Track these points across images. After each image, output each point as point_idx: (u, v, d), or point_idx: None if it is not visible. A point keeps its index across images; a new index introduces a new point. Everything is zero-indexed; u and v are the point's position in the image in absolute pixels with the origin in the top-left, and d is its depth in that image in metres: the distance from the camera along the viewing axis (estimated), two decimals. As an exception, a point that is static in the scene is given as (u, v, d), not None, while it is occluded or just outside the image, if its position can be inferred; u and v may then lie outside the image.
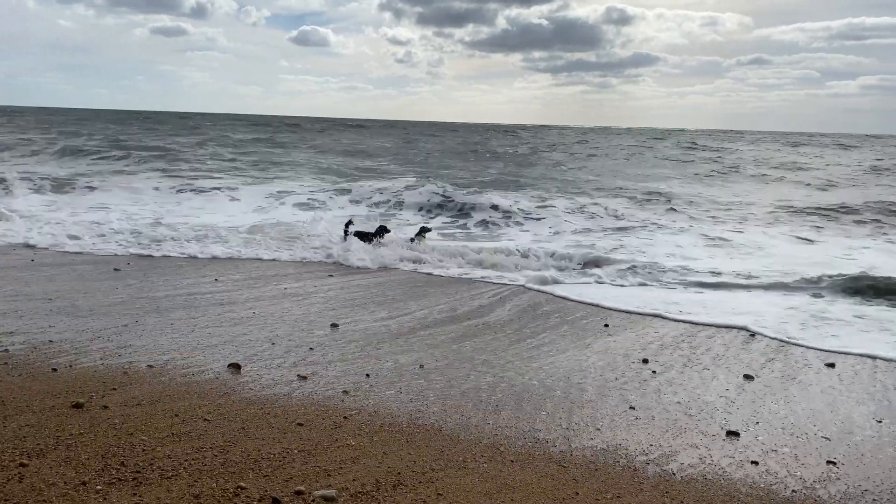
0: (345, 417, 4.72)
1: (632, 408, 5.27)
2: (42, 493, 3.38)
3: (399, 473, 3.92)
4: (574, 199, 19.41)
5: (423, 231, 12.48)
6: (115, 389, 4.87)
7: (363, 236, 11.88)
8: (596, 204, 18.52)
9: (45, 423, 4.20)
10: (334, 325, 7.13)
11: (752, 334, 7.52)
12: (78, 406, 4.49)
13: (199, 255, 10.78)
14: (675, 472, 4.24)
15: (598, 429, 4.83)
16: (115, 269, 9.27)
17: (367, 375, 5.64)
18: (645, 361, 6.45)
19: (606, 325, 7.62)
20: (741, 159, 41.33)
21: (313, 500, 3.53)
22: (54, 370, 5.17)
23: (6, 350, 5.56)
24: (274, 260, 10.81)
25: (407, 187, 19.42)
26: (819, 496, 4.04)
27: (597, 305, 8.62)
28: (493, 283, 9.68)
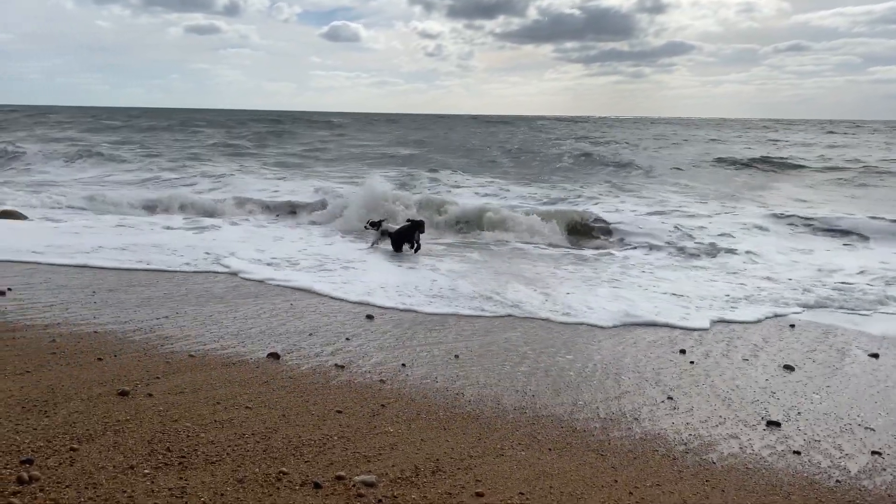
0: (382, 405, 4.77)
1: (670, 398, 5.23)
2: (92, 476, 3.49)
3: (437, 460, 3.96)
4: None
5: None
6: (158, 378, 4.98)
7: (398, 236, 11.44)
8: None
9: (93, 409, 4.32)
10: (369, 317, 7.20)
11: None
12: (123, 394, 4.61)
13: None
14: (714, 461, 4.20)
15: (637, 418, 4.81)
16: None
17: (403, 365, 5.68)
18: (682, 352, 6.40)
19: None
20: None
21: (354, 486, 3.58)
22: (100, 359, 5.31)
23: (53, 340, 5.72)
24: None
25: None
26: (864, 486, 3.97)
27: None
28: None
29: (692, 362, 6.09)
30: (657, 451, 4.29)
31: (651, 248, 12.24)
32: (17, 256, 9.36)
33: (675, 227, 13.58)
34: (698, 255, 11.54)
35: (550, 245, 12.73)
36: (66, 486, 3.36)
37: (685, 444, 4.41)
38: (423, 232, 11.50)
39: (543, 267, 10.33)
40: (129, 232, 12.10)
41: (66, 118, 62.87)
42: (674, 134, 53.67)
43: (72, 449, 3.75)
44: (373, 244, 11.52)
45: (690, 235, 12.98)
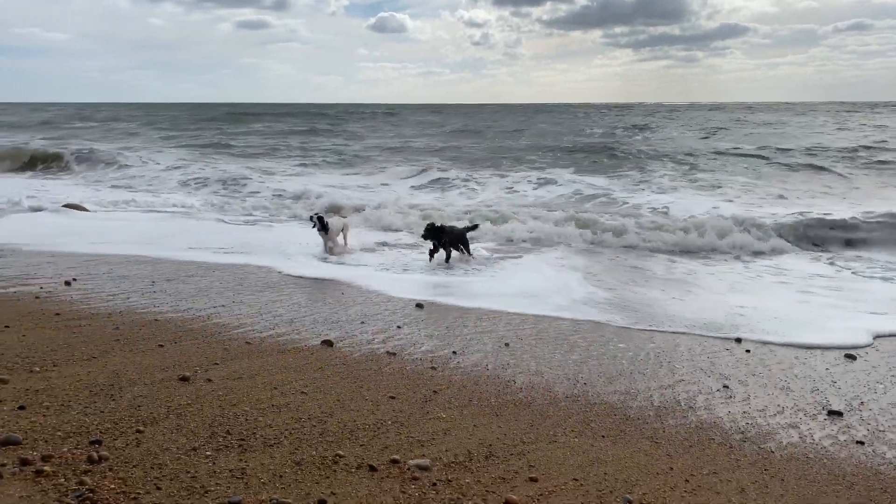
0: (434, 392, 4.81)
1: (725, 386, 5.14)
2: (158, 457, 3.61)
3: (490, 445, 3.97)
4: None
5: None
6: (216, 364, 5.12)
7: None
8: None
9: (156, 394, 4.47)
10: (419, 305, 7.25)
11: None
12: (184, 379, 4.75)
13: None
14: (773, 450, 4.11)
15: (692, 407, 4.74)
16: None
17: (454, 353, 5.71)
18: (738, 341, 6.28)
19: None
20: None
21: (408, 469, 3.62)
22: (161, 346, 5.48)
23: (117, 328, 5.93)
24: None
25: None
26: (933, 477, 3.83)
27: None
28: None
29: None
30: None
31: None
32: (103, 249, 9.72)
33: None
34: None
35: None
36: (134, 466, 3.49)
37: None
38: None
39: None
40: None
41: (179, 116, 60.78)
42: (767, 124, 47.58)
43: (138, 431, 3.89)
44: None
45: None
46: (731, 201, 15.93)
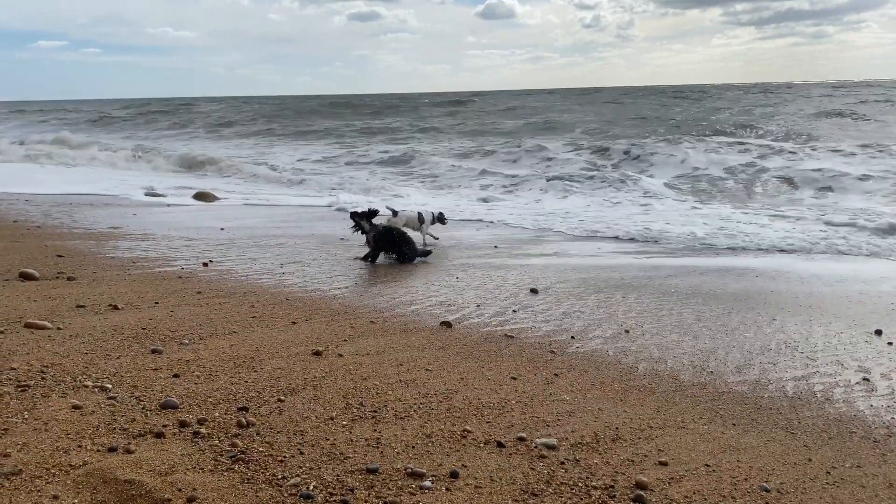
0: (555, 374, 4.83)
1: (865, 379, 4.86)
2: (298, 424, 3.85)
3: (617, 428, 3.96)
4: None
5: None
6: (345, 341, 5.37)
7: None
8: None
9: (293, 366, 4.75)
10: (534, 290, 7.27)
11: None
12: (317, 354, 5.02)
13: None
14: (924, 446, 3.86)
15: (829, 399, 4.52)
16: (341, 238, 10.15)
17: (573, 337, 5.71)
18: (878, 333, 5.90)
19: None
20: None
21: (535, 447, 3.67)
22: (294, 323, 5.81)
23: (252, 306, 6.32)
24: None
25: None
26: None
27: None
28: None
29: None
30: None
31: None
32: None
33: None
34: None
35: None
36: (278, 432, 3.74)
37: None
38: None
39: None
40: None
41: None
42: None
43: (279, 400, 4.16)
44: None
45: None
46: None
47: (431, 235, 10.28)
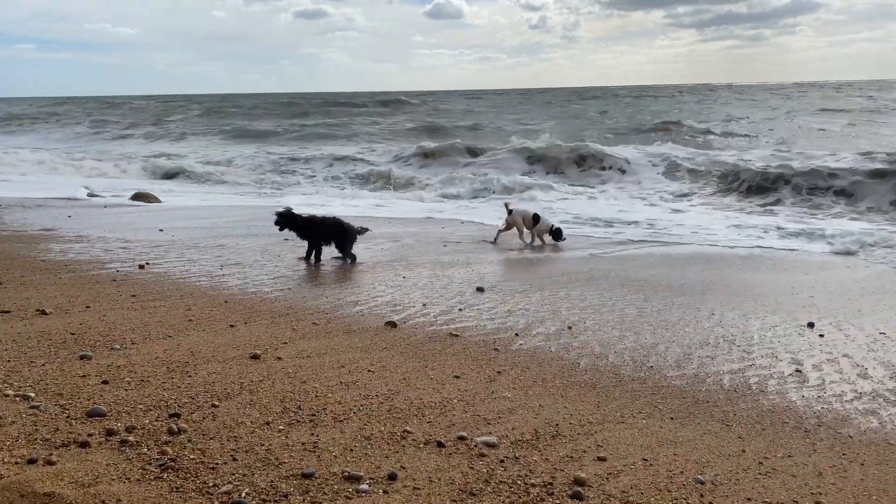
0: (498, 372, 4.82)
1: (798, 370, 4.99)
2: (233, 429, 3.73)
3: (557, 425, 3.96)
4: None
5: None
6: (286, 343, 5.26)
7: None
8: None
9: (229, 371, 4.62)
10: (480, 289, 7.26)
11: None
12: (255, 357, 4.89)
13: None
14: (851, 434, 3.98)
15: (763, 391, 4.62)
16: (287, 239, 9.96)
17: (516, 335, 5.72)
18: (810, 325, 6.08)
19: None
20: None
21: (476, 446, 3.64)
22: (232, 326, 5.65)
23: (189, 309, 6.14)
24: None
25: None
26: None
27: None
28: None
29: None
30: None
31: None
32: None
33: None
34: None
35: None
36: (211, 438, 3.62)
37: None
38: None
39: None
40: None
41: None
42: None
43: (213, 405, 4.03)
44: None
45: None
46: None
47: (541, 239, 10.20)
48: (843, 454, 3.74)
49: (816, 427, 4.08)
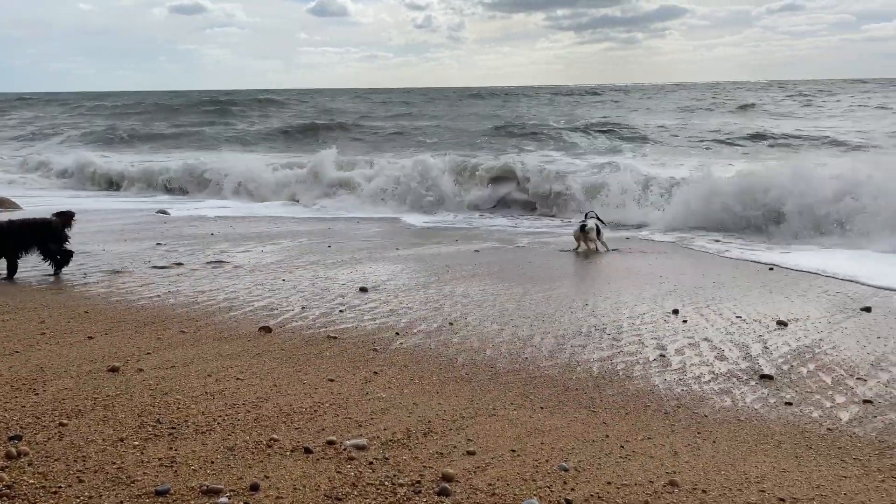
0: (375, 373, 4.75)
1: (662, 355, 5.23)
2: (81, 449, 3.47)
3: (429, 422, 3.94)
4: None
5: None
6: (149, 354, 4.96)
7: None
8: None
9: (83, 386, 4.30)
10: (363, 289, 7.17)
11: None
12: (114, 370, 4.59)
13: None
14: (706, 414, 4.19)
15: (629, 376, 4.80)
16: (159, 244, 9.43)
17: (397, 333, 5.67)
18: (675, 312, 6.39)
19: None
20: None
21: (345, 449, 3.56)
22: (90, 338, 5.29)
23: (43, 321, 5.69)
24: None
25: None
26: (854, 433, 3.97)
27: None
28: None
29: None
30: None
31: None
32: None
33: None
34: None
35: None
36: (55, 460, 3.34)
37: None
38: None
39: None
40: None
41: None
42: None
43: (61, 424, 3.73)
44: None
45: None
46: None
47: (605, 244, 10.03)
48: (698, 433, 3.93)
49: (676, 409, 4.27)
